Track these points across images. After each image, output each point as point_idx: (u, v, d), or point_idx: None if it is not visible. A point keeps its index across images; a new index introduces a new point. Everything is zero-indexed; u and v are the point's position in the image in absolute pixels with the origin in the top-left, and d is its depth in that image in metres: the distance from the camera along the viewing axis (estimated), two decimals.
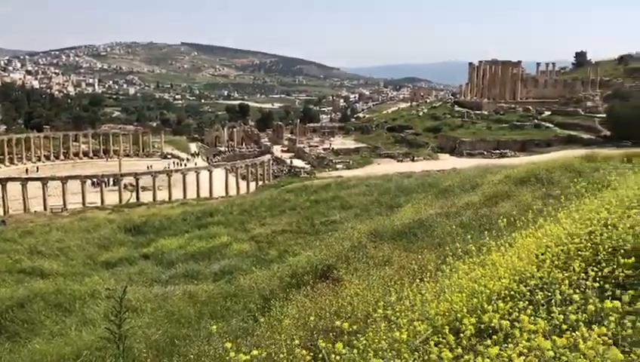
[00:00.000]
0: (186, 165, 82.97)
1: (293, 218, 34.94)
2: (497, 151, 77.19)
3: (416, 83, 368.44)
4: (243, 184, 69.32)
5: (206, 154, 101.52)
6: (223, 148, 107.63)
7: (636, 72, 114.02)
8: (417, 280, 6.60)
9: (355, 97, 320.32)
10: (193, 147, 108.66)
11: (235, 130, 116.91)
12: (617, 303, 3.34)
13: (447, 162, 66.99)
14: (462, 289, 4.72)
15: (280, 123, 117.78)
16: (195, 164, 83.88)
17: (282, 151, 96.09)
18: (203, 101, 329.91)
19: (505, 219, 7.23)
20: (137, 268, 28.02)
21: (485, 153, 76.50)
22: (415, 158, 77.09)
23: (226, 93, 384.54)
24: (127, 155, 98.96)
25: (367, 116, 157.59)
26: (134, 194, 63.57)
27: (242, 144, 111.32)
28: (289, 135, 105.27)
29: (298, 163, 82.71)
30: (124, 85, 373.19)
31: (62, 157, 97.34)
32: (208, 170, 67.98)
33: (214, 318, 15.81)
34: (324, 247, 18.98)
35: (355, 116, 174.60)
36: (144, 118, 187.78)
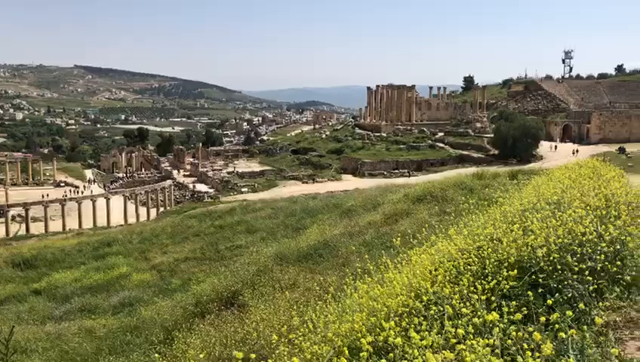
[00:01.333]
0: (81, 193, 78.59)
1: (197, 244, 34.15)
2: (396, 171, 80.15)
3: (318, 106, 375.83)
4: (143, 211, 66.74)
5: (103, 181, 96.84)
6: (121, 175, 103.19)
7: (518, 95, 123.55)
8: (320, 302, 6.66)
9: (258, 120, 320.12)
10: (89, 174, 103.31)
11: (133, 155, 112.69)
12: (496, 315, 3.56)
13: (350, 183, 68.56)
14: (362, 308, 4.82)
15: (181, 147, 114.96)
16: (92, 192, 79.73)
17: (184, 175, 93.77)
18: (99, 126, 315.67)
19: (399, 238, 7.49)
20: (27, 305, 26.09)
21: (385, 173, 79.17)
22: (319, 180, 78.22)
23: (123, 117, 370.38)
24: (15, 184, 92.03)
25: (271, 139, 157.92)
26: (24, 225, 59.16)
27: (142, 169, 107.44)
28: (191, 159, 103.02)
29: (201, 187, 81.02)
30: (11, 110, 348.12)
31: None
32: (105, 198, 64.77)
33: (113, 354, 15.02)
34: (229, 273, 18.70)
35: (260, 139, 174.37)
36: (34, 144, 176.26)
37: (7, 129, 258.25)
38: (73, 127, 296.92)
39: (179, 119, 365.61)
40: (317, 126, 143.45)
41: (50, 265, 35.98)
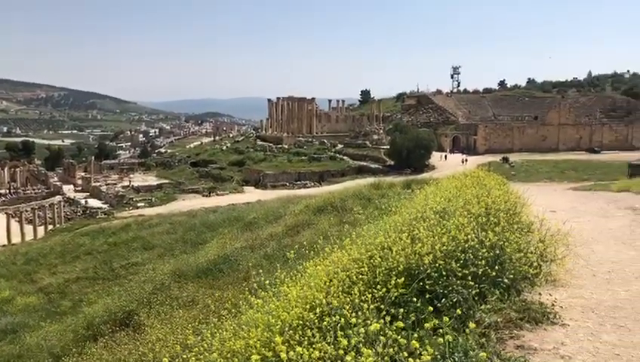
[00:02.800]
0: None
1: (90, 263, 32.37)
2: (299, 183, 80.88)
3: (218, 117, 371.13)
4: (29, 229, 62.07)
5: None
6: (3, 191, 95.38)
7: (411, 108, 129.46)
8: (215, 319, 6.54)
9: (155, 132, 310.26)
10: None
11: (18, 170, 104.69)
12: (378, 325, 3.68)
13: (252, 195, 68.18)
14: (257, 323, 4.79)
15: (72, 161, 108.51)
16: None
17: (76, 191, 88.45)
18: None
19: (294, 251, 7.55)
20: None
21: (288, 184, 79.61)
22: (220, 192, 77.01)
23: (5, 129, 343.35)
24: None
25: (169, 151, 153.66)
26: None
27: (27, 185, 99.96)
28: (83, 173, 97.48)
29: (94, 203, 76.82)
30: None
31: None
32: None
33: None
34: (123, 293, 17.89)
35: (157, 151, 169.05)
36: None
37: None
38: None
39: (69, 131, 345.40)
40: (217, 138, 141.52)
41: None
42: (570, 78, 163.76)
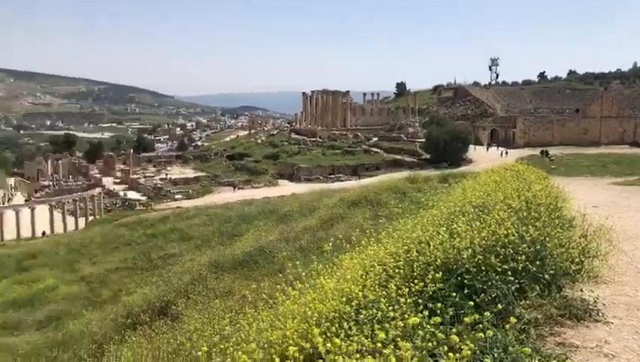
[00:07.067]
0: (3, 203, 74.36)
1: (129, 254, 33.13)
2: (332, 176, 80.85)
3: (253, 111, 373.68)
4: (71, 220, 63.95)
5: (27, 190, 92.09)
6: (46, 183, 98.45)
7: (448, 101, 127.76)
8: (252, 310, 6.60)
9: (192, 125, 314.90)
10: (11, 182, 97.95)
11: (60, 162, 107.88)
12: (416, 319, 3.65)
13: (286, 188, 68.51)
14: (294, 314, 4.81)
15: (111, 153, 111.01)
16: (9, 201, 75.71)
17: (115, 183, 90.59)
18: (22, 132, 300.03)
19: (330, 243, 7.55)
20: None
21: (321, 178, 79.68)
22: (255, 185, 77.70)
23: (49, 122, 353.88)
24: None
25: (205, 144, 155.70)
26: None
27: (69, 177, 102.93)
28: (122, 166, 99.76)
29: (133, 195, 78.56)
30: None
31: None
32: (30, 207, 61.58)
33: None
34: (162, 283, 18.26)
35: (194, 145, 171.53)
36: None
37: None
38: None
39: (108, 125, 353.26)
40: (252, 131, 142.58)
41: None
42: (614, 70, 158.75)
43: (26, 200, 74.18)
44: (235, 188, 76.63)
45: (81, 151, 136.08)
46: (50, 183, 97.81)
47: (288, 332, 4.45)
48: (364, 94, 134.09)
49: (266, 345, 4.65)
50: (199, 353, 4.59)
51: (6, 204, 70.64)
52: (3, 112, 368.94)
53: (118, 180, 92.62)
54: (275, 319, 5.38)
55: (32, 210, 60.50)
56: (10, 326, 22.32)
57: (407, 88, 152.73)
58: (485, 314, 3.80)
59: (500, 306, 4.11)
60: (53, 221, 61.28)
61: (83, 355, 13.86)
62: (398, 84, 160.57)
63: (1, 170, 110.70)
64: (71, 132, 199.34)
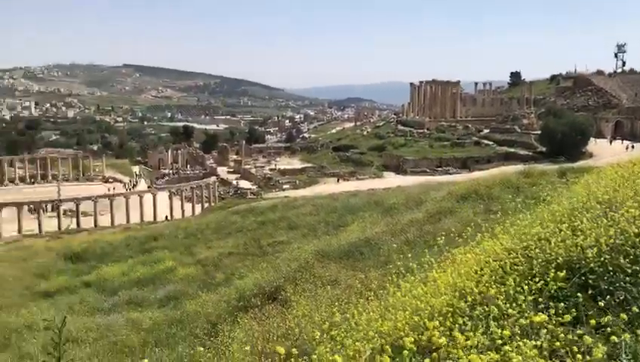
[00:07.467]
0: (129, 189, 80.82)
1: (240, 240, 34.57)
2: (440, 169, 79.08)
3: (359, 103, 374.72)
4: (188, 207, 68.14)
5: (149, 178, 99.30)
6: (167, 171, 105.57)
7: (567, 91, 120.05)
8: (362, 300, 6.65)
9: (300, 117, 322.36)
10: (136, 170, 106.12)
11: (179, 152, 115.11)
12: (544, 316, 3.47)
13: (392, 180, 68.09)
14: (405, 307, 4.79)
15: (225, 144, 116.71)
16: (134, 188, 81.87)
17: (228, 172, 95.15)
18: (146, 123, 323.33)
19: (443, 237, 7.40)
20: (78, 297, 27.00)
21: (428, 170, 78.22)
22: (361, 177, 78.01)
23: (169, 115, 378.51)
24: (67, 180, 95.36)
25: (312, 136, 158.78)
26: (74, 220, 61.30)
27: (187, 166, 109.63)
28: (235, 156, 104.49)
29: (244, 184, 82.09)
30: (63, 108, 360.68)
31: None
32: (152, 194, 66.45)
33: (160, 346, 15.38)
34: (271, 269, 18.89)
35: (301, 136, 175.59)
36: (84, 141, 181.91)
37: (59, 126, 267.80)
38: (121, 124, 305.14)
39: (223, 117, 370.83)
40: (358, 123, 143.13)
41: (99, 258, 37.15)
42: None
43: (148, 187, 79.93)
44: (338, 179, 77.44)
45: (198, 141, 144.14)
46: (170, 171, 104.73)
47: (399, 323, 4.44)
48: (476, 84, 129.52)
49: (376, 335, 4.67)
50: (315, 336, 4.70)
51: (131, 190, 76.63)
52: (130, 105, 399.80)
53: (231, 170, 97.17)
54: (384, 310, 5.39)
55: (154, 196, 65.20)
56: (135, 303, 24.17)
57: (522, 78, 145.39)
58: (622, 316, 3.53)
59: (635, 309, 3.80)
60: (172, 207, 65.65)
61: (199, 333, 14.72)
62: (512, 73, 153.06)
63: (127, 159, 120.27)
64: (189, 124, 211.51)
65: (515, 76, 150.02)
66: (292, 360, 4.49)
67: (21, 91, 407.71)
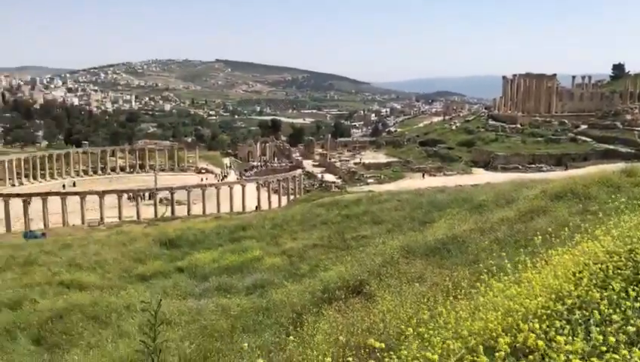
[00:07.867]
0: (219, 180, 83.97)
1: (325, 232, 34.78)
2: (533, 166, 75.86)
3: (448, 97, 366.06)
4: (275, 198, 69.74)
5: (239, 169, 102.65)
6: (255, 163, 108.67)
7: None
8: (451, 298, 6.52)
9: (386, 111, 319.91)
10: (227, 162, 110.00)
11: (267, 145, 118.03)
12: None
13: (481, 176, 66.11)
14: (497, 307, 4.64)
15: (311, 138, 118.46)
16: (224, 179, 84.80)
17: (313, 165, 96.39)
18: (236, 117, 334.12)
19: (540, 236, 7.08)
20: (172, 281, 28.30)
21: (520, 167, 75.24)
22: (448, 173, 76.32)
23: (258, 108, 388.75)
24: (163, 170, 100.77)
25: (398, 130, 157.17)
26: (169, 208, 64.62)
27: (274, 159, 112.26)
28: (320, 150, 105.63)
29: (329, 177, 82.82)
30: (160, 102, 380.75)
31: (99, 172, 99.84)
32: (241, 185, 68.68)
33: (247, 332, 15.86)
34: (355, 262, 18.88)
35: (387, 130, 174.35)
36: (179, 133, 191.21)
37: (156, 119, 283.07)
38: (214, 117, 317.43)
39: (309, 111, 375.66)
40: (447, 117, 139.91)
41: (191, 245, 38.75)
42: None
43: (237, 179, 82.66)
44: (424, 174, 76.17)
45: (285, 135, 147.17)
46: (259, 164, 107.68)
47: (491, 324, 4.31)
48: (573, 77, 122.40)
49: (465, 334, 4.57)
50: (408, 332, 4.67)
51: (222, 181, 79.56)
52: (222, 99, 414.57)
53: (316, 163, 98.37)
54: (474, 309, 5.25)
55: (243, 187, 67.33)
56: (224, 289, 25.01)
57: (627, 70, 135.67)
58: None
59: None
60: (260, 198, 67.49)
61: (284, 322, 15.02)
62: (614, 65, 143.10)
63: (218, 151, 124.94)
64: (277, 117, 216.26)
65: (618, 69, 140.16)
66: (378, 354, 4.50)
67: (123, 85, 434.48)
